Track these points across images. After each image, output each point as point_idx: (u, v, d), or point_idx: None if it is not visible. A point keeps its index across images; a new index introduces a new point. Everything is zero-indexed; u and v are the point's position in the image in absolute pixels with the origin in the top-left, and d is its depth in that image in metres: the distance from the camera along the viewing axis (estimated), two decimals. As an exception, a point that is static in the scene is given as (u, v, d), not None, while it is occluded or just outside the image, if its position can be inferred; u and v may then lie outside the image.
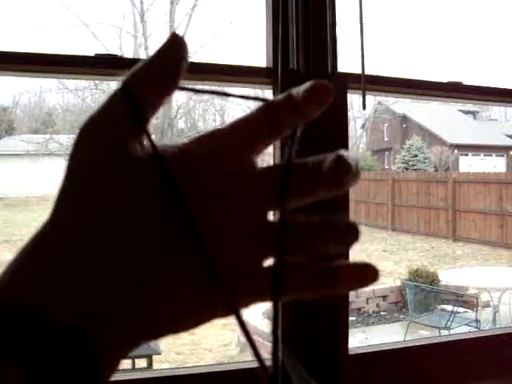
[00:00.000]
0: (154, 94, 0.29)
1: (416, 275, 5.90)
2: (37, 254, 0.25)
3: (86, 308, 0.24)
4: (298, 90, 0.28)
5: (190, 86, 0.32)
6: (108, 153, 0.27)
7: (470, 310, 5.25)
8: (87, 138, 0.27)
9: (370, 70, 1.18)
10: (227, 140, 0.29)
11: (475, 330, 4.31)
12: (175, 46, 0.29)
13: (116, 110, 0.28)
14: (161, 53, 0.29)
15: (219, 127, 0.30)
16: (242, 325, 0.26)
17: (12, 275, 0.24)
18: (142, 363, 3.77)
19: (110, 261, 0.25)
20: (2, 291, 0.24)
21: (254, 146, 0.30)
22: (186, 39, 0.29)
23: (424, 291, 5.02)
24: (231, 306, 0.26)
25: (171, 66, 0.29)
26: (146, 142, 0.28)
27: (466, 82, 1.35)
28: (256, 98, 0.30)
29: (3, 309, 0.23)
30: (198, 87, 0.32)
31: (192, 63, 1.51)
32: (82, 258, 0.25)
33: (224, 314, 0.27)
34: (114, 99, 0.28)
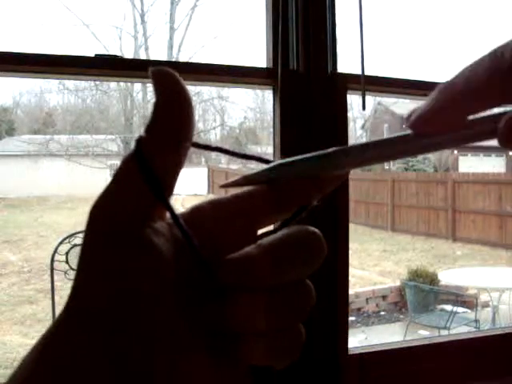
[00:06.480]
0: (171, 151, 0.24)
1: (416, 275, 5.89)
2: (50, 353, 0.22)
3: None
4: None
5: (204, 144, 0.28)
6: (122, 238, 0.23)
7: (469, 310, 5.25)
8: (99, 220, 0.24)
9: (369, 70, 1.18)
10: (228, 218, 0.26)
11: (475, 330, 4.31)
12: (170, 84, 0.24)
13: (129, 182, 0.23)
14: (162, 100, 0.24)
15: (220, 199, 0.27)
16: None
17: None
18: None
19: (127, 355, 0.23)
20: None
21: (255, 224, 0.27)
22: (171, 70, 0.24)
23: (424, 291, 5.01)
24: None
25: (180, 111, 0.24)
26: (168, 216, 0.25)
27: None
28: (260, 160, 0.28)
29: None
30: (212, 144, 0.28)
31: (192, 64, 1.51)
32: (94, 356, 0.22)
33: None
34: (127, 167, 0.24)
